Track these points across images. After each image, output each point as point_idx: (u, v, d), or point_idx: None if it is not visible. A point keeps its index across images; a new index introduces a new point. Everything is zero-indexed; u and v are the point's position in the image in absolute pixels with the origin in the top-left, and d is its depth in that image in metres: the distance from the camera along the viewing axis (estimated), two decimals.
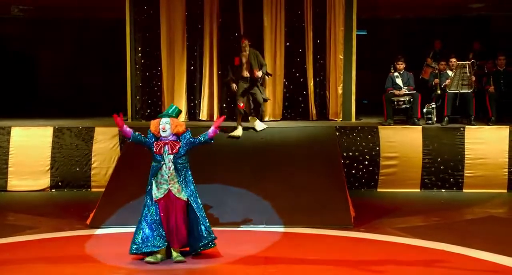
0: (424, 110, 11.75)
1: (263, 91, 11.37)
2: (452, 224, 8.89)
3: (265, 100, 11.35)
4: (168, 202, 6.92)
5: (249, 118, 11.36)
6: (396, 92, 11.81)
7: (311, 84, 12.78)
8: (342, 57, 12.65)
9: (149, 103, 12.87)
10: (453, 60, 12.02)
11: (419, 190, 11.08)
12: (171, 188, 6.91)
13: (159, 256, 6.88)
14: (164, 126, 6.92)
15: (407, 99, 11.70)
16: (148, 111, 12.84)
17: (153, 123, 7.01)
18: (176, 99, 12.80)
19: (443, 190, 11.06)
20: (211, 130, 7.07)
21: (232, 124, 11.23)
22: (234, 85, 11.14)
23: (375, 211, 9.51)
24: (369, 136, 11.25)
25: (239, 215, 8.79)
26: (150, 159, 10.10)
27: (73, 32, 15.12)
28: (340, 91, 12.70)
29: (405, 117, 11.99)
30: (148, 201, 7.02)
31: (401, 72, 11.97)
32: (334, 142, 10.88)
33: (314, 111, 12.82)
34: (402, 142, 11.21)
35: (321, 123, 12.36)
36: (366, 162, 11.12)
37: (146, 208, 7.00)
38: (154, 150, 6.95)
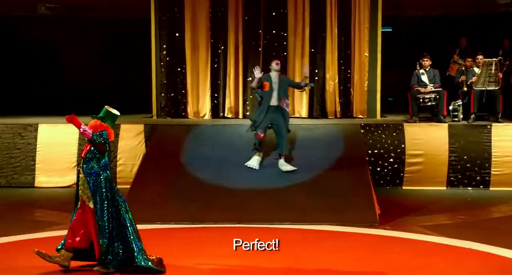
0: (450, 107, 11.66)
1: (287, 122, 10.13)
2: (479, 222, 8.80)
3: (288, 131, 10.14)
4: (82, 209, 6.43)
5: (256, 153, 10.05)
6: (422, 89, 11.72)
7: (335, 81, 12.74)
8: (367, 55, 12.61)
9: (173, 100, 12.94)
10: (480, 57, 11.91)
11: (445, 188, 10.99)
12: (82, 194, 6.41)
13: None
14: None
15: (433, 96, 11.60)
16: (173, 108, 12.91)
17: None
18: (201, 96, 12.87)
19: (469, 188, 10.96)
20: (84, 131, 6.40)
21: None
22: (259, 74, 10.09)
23: (400, 209, 9.45)
24: (394, 134, 11.18)
25: (264, 213, 8.80)
26: (175, 157, 10.29)
27: (99, 30, 15.21)
28: (365, 89, 12.67)
29: (431, 114, 11.90)
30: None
31: (427, 69, 11.88)
32: (359, 140, 10.84)
33: (338, 109, 12.79)
34: (427, 140, 11.12)
35: (345, 120, 12.34)
36: (391, 160, 11.05)
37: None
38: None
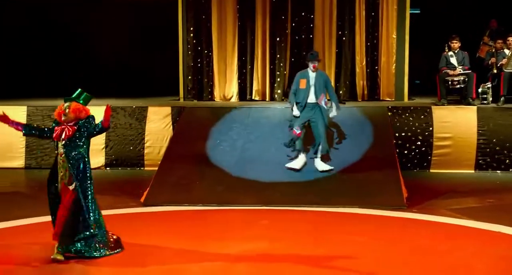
0: (480, 89, 11.54)
1: (327, 120, 9.60)
2: (508, 205, 8.70)
3: (327, 129, 9.64)
4: (62, 192, 6.33)
5: (299, 155, 9.54)
6: (451, 72, 11.59)
7: (363, 64, 12.66)
8: (395, 37, 12.50)
9: (200, 83, 12.98)
10: (511, 38, 11.74)
11: (473, 171, 10.90)
12: (63, 177, 6.32)
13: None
14: (65, 110, 6.34)
15: (462, 78, 11.48)
16: (200, 90, 12.94)
17: (57, 107, 6.46)
18: (228, 79, 12.88)
19: (498, 171, 10.85)
20: (103, 120, 6.38)
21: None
22: (297, 111, 9.57)
23: (428, 192, 9.38)
24: (422, 116, 11.09)
25: (291, 195, 8.81)
26: (202, 139, 10.31)
27: (127, 13, 15.26)
28: (392, 71, 12.57)
29: (460, 97, 11.78)
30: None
31: (456, 51, 11.74)
32: (387, 123, 10.78)
33: (365, 91, 12.73)
34: (456, 123, 11.02)
35: (372, 103, 12.27)
36: (419, 143, 10.97)
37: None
38: (54, 135, 6.36)
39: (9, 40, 14.89)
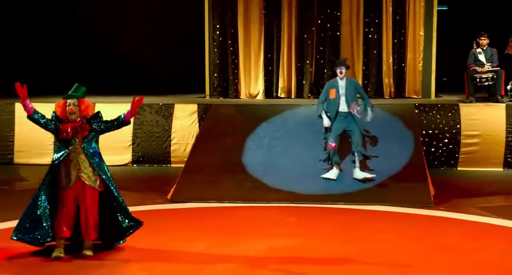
0: (508, 87, 11.45)
1: (361, 127, 9.20)
2: None
3: (363, 135, 9.28)
4: (78, 190, 6.25)
5: (334, 165, 9.16)
6: (479, 69, 11.49)
7: (389, 61, 12.60)
8: (422, 34, 12.42)
9: (226, 80, 13.02)
10: None
11: (501, 169, 10.78)
12: (81, 175, 6.24)
13: (62, 250, 6.26)
14: (72, 107, 6.22)
15: (490, 76, 11.37)
16: (226, 88, 12.98)
17: (58, 104, 6.30)
18: (254, 76, 12.91)
19: None
20: (127, 112, 6.41)
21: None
22: (327, 120, 9.17)
23: (455, 190, 9.32)
24: (450, 114, 11.00)
25: (318, 192, 8.80)
26: (228, 136, 10.34)
27: (154, 11, 15.35)
28: (419, 68, 12.50)
29: (488, 94, 11.66)
30: (43, 192, 6.29)
31: (484, 48, 11.63)
32: (414, 120, 10.70)
33: (391, 89, 12.67)
34: (484, 120, 10.91)
35: (399, 100, 12.22)
36: (446, 140, 10.89)
37: (40, 198, 6.28)
38: (61, 134, 6.26)
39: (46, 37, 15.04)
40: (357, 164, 9.07)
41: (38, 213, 6.25)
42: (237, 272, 5.86)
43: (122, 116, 6.44)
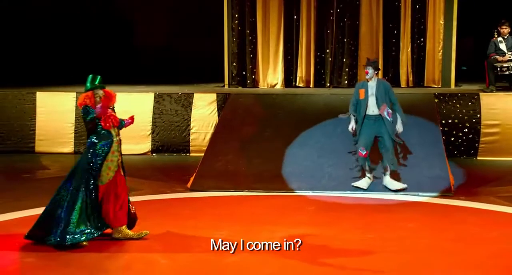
0: None
1: (392, 132, 8.43)
2: None
3: (396, 143, 8.70)
4: (118, 179, 6.44)
5: (367, 175, 8.61)
6: (500, 57, 11.40)
7: (408, 50, 12.55)
8: (442, 22, 12.35)
9: (245, 69, 13.03)
10: None
11: None
12: (119, 164, 6.45)
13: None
14: (103, 97, 6.34)
15: (511, 65, 11.28)
16: (245, 77, 13.00)
17: (86, 96, 6.32)
18: (272, 66, 12.91)
19: None
20: (126, 122, 6.54)
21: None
22: (352, 124, 8.53)
23: (475, 180, 9.29)
24: (470, 103, 10.94)
25: (337, 181, 8.81)
26: (248, 125, 10.35)
27: (173, 0, 15.41)
28: (439, 57, 12.44)
29: (509, 83, 11.58)
30: (85, 185, 6.29)
31: (505, 37, 11.54)
32: (433, 109, 10.66)
33: (411, 78, 12.63)
34: (505, 109, 10.85)
35: (418, 89, 12.17)
36: (466, 130, 10.84)
37: (85, 194, 6.29)
38: (102, 125, 6.33)
39: (58, 30, 15.14)
40: (388, 172, 8.51)
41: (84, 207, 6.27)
42: (258, 261, 5.89)
43: (124, 122, 6.54)
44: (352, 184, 8.62)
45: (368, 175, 8.59)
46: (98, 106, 6.27)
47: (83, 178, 6.28)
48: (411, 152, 9.39)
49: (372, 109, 8.37)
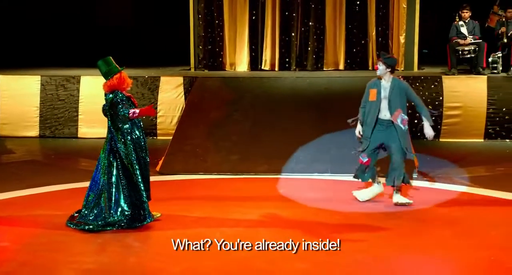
0: (490, 59, 11.58)
1: (405, 143, 7.33)
2: None
3: (405, 157, 7.40)
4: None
5: (375, 183, 7.55)
6: (461, 41, 11.64)
7: (373, 33, 12.71)
8: (405, 6, 12.51)
9: (211, 52, 13.03)
10: None
11: (482, 140, 11.02)
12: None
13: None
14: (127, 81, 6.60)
15: (472, 48, 11.52)
16: (211, 60, 13.01)
17: (124, 78, 6.57)
18: (238, 49, 12.94)
19: (507, 140, 10.97)
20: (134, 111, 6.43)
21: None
22: (358, 129, 7.51)
23: (438, 161, 9.51)
24: (432, 86, 11.17)
25: (305, 164, 8.93)
26: (215, 109, 10.39)
27: None
28: (402, 41, 12.61)
29: (470, 66, 11.84)
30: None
31: (466, 21, 11.76)
32: None
33: (375, 61, 12.78)
34: (466, 92, 11.11)
35: None
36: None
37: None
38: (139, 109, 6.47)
39: (20, 10, 14.91)
40: (394, 184, 7.34)
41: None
42: (246, 234, 6.02)
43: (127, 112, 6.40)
44: (353, 192, 7.61)
45: (371, 187, 7.56)
46: (137, 111, 6.32)
47: (139, 157, 6.56)
48: None
49: (384, 113, 7.26)
